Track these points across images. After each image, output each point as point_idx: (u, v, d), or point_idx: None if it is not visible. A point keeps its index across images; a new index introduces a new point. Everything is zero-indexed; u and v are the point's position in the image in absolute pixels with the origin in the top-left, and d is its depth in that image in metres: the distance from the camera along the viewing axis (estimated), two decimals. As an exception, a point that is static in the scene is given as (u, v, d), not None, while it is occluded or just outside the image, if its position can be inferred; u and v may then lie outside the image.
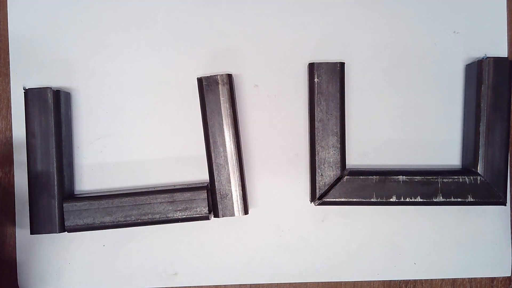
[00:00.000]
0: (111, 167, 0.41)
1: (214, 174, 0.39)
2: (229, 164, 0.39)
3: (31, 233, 0.38)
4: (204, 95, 0.39)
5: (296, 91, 0.41)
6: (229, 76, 0.39)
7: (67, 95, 0.40)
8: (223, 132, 0.39)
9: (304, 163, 0.41)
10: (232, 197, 0.39)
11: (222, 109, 0.39)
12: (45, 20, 0.41)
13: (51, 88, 0.38)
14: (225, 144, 0.39)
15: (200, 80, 0.39)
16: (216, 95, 0.39)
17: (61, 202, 0.38)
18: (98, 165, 0.41)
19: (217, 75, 0.39)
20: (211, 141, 0.39)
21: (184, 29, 0.41)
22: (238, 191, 0.39)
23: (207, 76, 0.39)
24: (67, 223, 0.38)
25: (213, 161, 0.39)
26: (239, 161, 0.39)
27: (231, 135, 0.39)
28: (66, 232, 0.39)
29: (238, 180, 0.39)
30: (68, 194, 0.40)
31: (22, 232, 0.41)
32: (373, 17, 0.41)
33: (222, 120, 0.39)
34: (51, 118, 0.38)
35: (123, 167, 0.41)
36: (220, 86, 0.39)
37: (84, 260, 0.41)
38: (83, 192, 0.41)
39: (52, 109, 0.38)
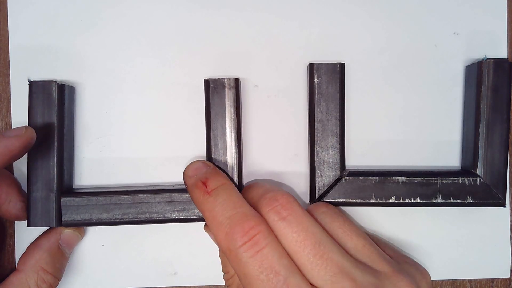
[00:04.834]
0: (111, 164, 0.41)
1: (213, 176, 0.39)
2: (228, 168, 0.39)
3: (28, 225, 0.38)
4: (209, 97, 0.39)
5: (296, 91, 0.41)
6: (237, 81, 0.39)
7: (72, 90, 0.40)
8: (225, 136, 0.39)
9: (303, 163, 0.41)
10: (231, 197, 0.39)
11: (226, 112, 0.39)
12: (46, 18, 0.41)
13: (56, 81, 0.38)
14: (226, 148, 0.39)
15: (207, 82, 0.39)
16: (222, 98, 0.39)
17: (59, 196, 0.38)
18: (99, 161, 0.41)
19: (224, 78, 0.39)
20: (212, 143, 0.39)
21: (187, 30, 0.41)
22: None
23: (215, 79, 0.39)
24: (64, 218, 0.38)
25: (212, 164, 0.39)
26: (238, 165, 0.39)
27: (233, 139, 0.39)
28: (63, 226, 0.39)
29: (236, 184, 0.39)
30: (67, 188, 0.40)
31: (20, 225, 0.40)
32: (373, 18, 0.41)
33: (225, 123, 0.39)
34: (54, 111, 0.38)
35: (123, 165, 0.41)
36: (226, 89, 0.38)
37: (83, 259, 0.41)
38: (82, 187, 0.41)
39: (56, 103, 0.38)
